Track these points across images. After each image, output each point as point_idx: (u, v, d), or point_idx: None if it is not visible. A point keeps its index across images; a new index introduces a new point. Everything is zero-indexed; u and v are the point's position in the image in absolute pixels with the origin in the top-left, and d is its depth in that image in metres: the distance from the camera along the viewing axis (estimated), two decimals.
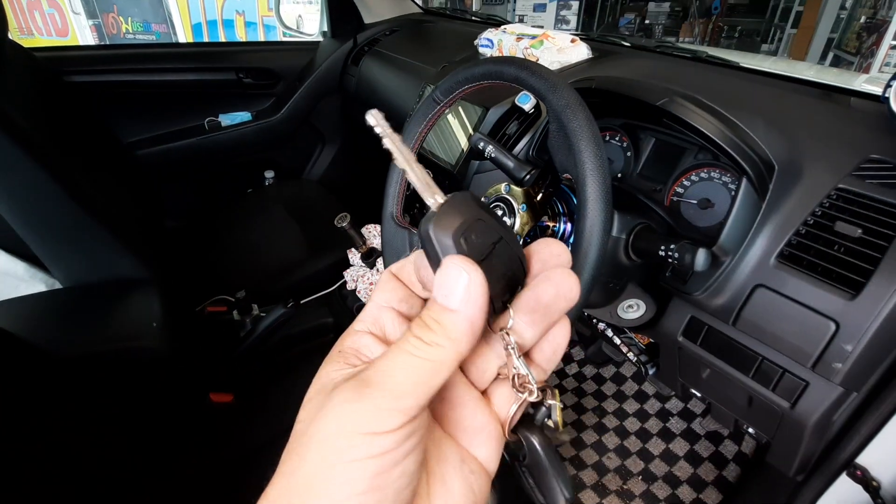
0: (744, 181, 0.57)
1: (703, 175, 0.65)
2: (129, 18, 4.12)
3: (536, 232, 0.60)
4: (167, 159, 1.48)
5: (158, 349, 0.78)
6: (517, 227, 0.58)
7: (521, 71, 0.48)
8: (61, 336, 0.76)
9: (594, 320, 0.81)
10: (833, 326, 0.50)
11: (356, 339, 0.22)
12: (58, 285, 1.23)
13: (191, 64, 1.50)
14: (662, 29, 5.37)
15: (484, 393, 0.23)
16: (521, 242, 0.21)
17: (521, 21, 4.96)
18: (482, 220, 0.20)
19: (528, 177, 0.63)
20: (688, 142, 0.68)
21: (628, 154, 0.74)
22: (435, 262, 0.20)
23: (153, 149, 1.44)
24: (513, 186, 0.60)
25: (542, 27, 1.10)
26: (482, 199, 0.65)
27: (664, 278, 0.62)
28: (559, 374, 1.29)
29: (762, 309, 0.55)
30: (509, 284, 0.20)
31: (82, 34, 4.12)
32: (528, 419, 0.23)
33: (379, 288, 0.23)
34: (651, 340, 0.79)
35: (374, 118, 0.21)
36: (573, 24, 4.99)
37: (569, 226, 0.61)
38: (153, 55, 1.49)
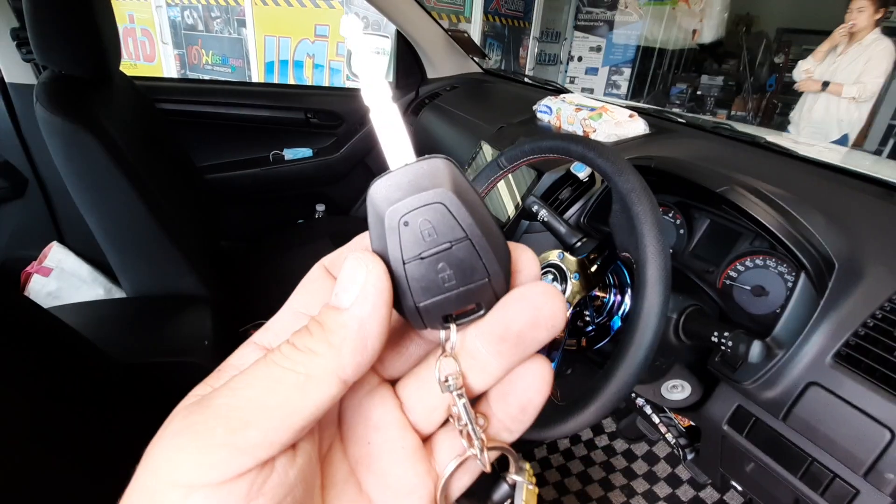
0: (802, 275, 0.57)
1: (758, 262, 0.65)
2: (210, 52, 4.53)
3: (586, 301, 0.61)
4: (232, 185, 1.58)
5: (206, 367, 0.81)
6: (567, 294, 0.59)
7: (589, 151, 0.51)
8: (122, 343, 0.81)
9: (633, 394, 0.80)
10: (888, 435, 0.48)
11: (243, 355, 0.16)
12: (114, 290, 1.31)
13: (266, 101, 1.63)
14: (714, 101, 5.42)
15: (428, 441, 0.17)
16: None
17: (571, 82, 5.13)
18: (446, 205, 0.14)
19: (578, 243, 0.65)
20: (744, 227, 0.68)
21: (681, 232, 0.75)
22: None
23: (221, 174, 1.55)
24: (566, 255, 0.61)
25: (592, 90, 1.15)
26: None
27: (713, 363, 0.61)
28: (588, 444, 1.25)
29: (815, 408, 0.54)
30: (458, 300, 0.15)
31: (167, 62, 4.54)
32: (482, 495, 0.17)
33: (300, 287, 0.17)
34: (692, 423, 0.76)
35: (349, 24, 0.15)
36: (623, 89, 5.11)
37: (619, 298, 0.62)
38: (234, 91, 1.63)
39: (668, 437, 0.76)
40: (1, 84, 1.18)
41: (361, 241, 0.17)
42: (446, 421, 0.17)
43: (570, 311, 0.58)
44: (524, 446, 1.20)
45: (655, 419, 0.78)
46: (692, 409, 0.66)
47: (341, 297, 0.14)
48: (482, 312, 0.16)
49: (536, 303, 0.15)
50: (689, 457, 0.75)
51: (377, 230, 0.15)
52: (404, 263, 0.15)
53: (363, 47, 0.15)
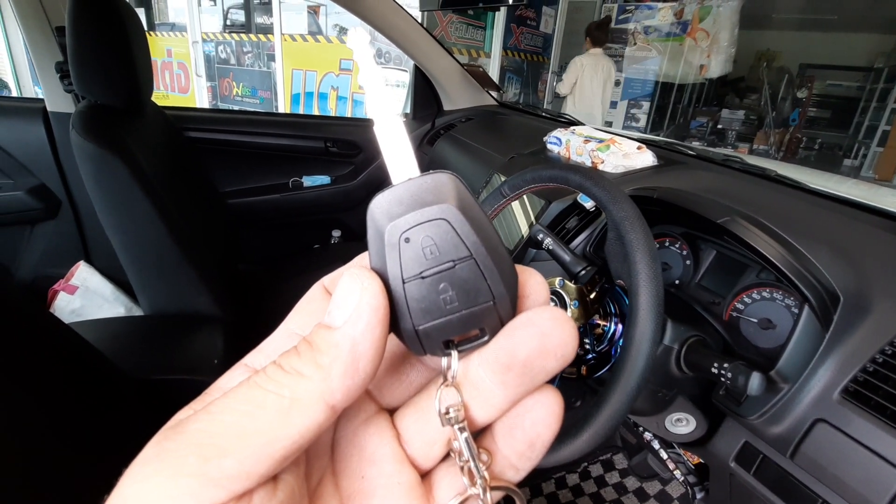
0: (806, 308, 0.56)
1: (764, 294, 0.65)
2: (241, 84, 4.76)
3: (586, 329, 0.61)
4: (252, 209, 1.64)
5: None
6: None
7: (586, 180, 0.52)
8: (135, 358, 0.83)
9: (640, 429, 0.78)
10: None
11: (232, 378, 0.16)
12: (135, 309, 1.35)
13: (287, 131, 1.70)
14: (736, 135, 5.39)
15: (426, 477, 0.16)
16: None
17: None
18: (450, 222, 0.14)
19: (582, 272, 0.66)
20: (750, 259, 0.68)
21: (687, 262, 0.75)
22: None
23: (243, 199, 1.60)
24: (567, 282, 0.62)
25: (610, 122, 1.17)
26: None
27: (717, 396, 0.60)
28: (598, 480, 1.21)
29: (823, 446, 0.52)
30: (460, 324, 0.14)
31: (200, 93, 4.78)
32: None
33: (297, 307, 0.17)
34: (701, 461, 0.74)
35: (357, 38, 0.15)
36: (643, 122, 5.13)
37: (619, 327, 0.62)
38: (258, 121, 1.71)
39: (677, 473, 0.74)
40: (43, 112, 1.27)
41: (362, 259, 0.16)
42: (447, 455, 0.16)
43: None
44: (531, 481, 1.17)
45: (664, 455, 0.76)
46: (698, 443, 0.64)
47: (334, 314, 0.14)
48: (486, 338, 0.14)
49: (545, 329, 0.14)
50: (699, 496, 0.72)
51: (376, 246, 0.14)
52: (404, 282, 0.14)
53: (370, 60, 0.15)
